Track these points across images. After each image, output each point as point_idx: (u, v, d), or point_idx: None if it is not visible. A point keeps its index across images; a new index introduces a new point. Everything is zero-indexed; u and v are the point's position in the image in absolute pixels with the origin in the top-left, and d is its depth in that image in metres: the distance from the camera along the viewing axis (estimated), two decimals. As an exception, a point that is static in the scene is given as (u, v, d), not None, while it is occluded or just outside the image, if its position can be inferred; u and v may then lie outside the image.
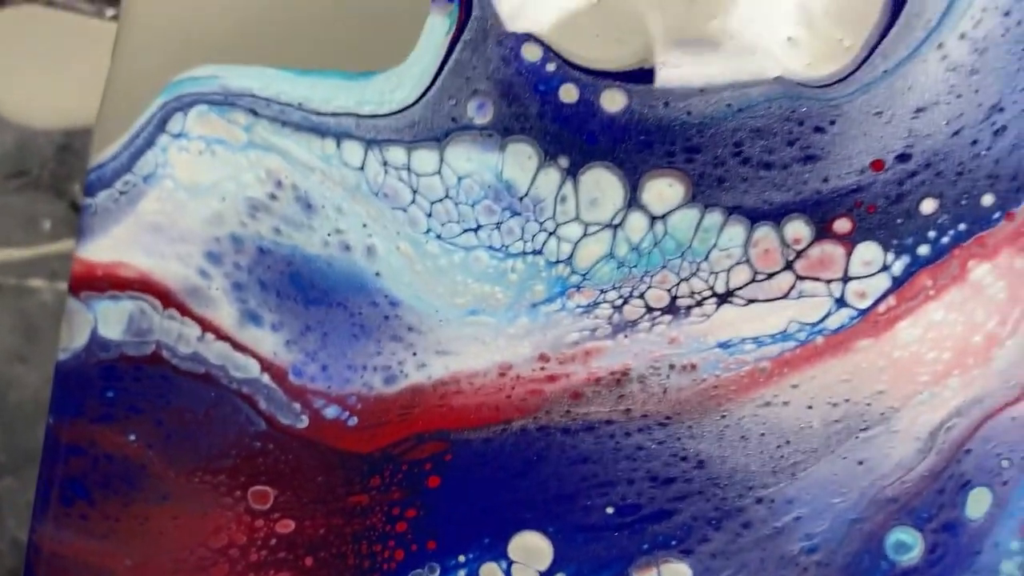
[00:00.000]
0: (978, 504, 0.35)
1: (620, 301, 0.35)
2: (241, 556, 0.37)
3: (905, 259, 0.35)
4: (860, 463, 0.35)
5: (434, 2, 0.35)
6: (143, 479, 0.37)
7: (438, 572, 0.37)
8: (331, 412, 0.36)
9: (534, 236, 0.35)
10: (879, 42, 0.34)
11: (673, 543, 0.36)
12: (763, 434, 0.35)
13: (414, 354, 0.36)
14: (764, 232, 0.35)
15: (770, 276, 0.35)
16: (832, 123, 0.34)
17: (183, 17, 0.36)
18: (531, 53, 0.35)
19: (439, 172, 0.35)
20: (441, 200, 0.35)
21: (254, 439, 0.36)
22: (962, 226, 0.35)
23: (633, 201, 0.35)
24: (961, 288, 0.35)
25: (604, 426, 0.36)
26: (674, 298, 0.35)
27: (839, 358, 0.35)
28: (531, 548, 0.36)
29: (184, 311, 0.36)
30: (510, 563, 0.36)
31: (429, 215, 0.35)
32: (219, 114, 0.36)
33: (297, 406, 0.36)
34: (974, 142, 0.34)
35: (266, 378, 0.36)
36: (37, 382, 0.52)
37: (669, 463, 0.36)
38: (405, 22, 0.35)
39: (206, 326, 0.36)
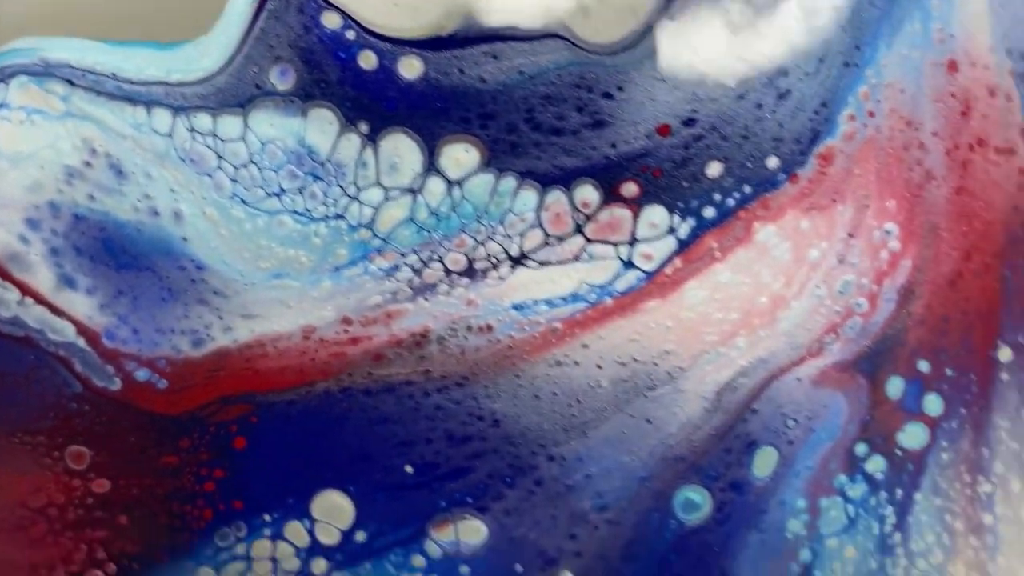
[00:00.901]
0: (765, 463, 0.35)
1: (420, 264, 0.36)
2: (59, 515, 0.37)
3: (691, 221, 0.35)
4: (648, 421, 0.35)
5: (240, -28, 0.35)
6: (-34, 441, 0.37)
7: (244, 531, 0.37)
8: (142, 375, 0.36)
9: (336, 200, 0.35)
10: (666, 7, 0.34)
11: (469, 500, 0.36)
12: (555, 393, 0.35)
13: (220, 318, 0.36)
14: (555, 197, 0.35)
15: (561, 240, 0.35)
16: (620, 89, 0.35)
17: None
18: (331, 21, 0.35)
19: (243, 138, 0.35)
20: (245, 165, 0.35)
21: (71, 401, 0.37)
22: (747, 188, 0.35)
23: (431, 166, 0.35)
24: (747, 249, 0.35)
25: (404, 387, 0.36)
26: (471, 261, 0.35)
27: (627, 319, 0.35)
28: (333, 507, 0.36)
29: (5, 276, 0.36)
30: (313, 522, 0.36)
31: (234, 180, 0.35)
32: (38, 84, 0.36)
33: (110, 368, 0.36)
34: (759, 105, 0.35)
35: (81, 341, 0.36)
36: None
37: (466, 422, 0.36)
38: (215, -7, 0.36)
39: (25, 290, 0.36)
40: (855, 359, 0.35)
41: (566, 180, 0.35)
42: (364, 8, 0.35)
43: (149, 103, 0.35)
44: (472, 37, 0.35)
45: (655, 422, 0.35)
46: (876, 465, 0.36)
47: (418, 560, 0.36)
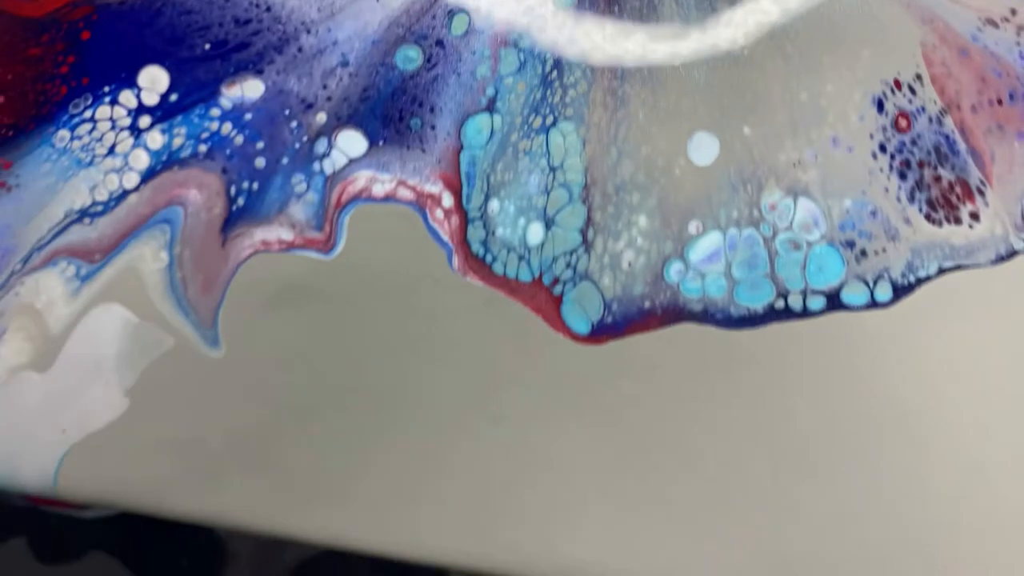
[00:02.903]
0: (459, 24, 0.49)
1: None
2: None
3: None
4: (377, 0, 0.49)
5: None
6: None
7: (90, 100, 0.50)
8: None
9: None
10: None
11: (250, 66, 0.49)
12: (311, -15, 0.49)
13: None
14: None
15: None
16: None
17: None
18: None
19: None
20: None
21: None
22: None
23: None
24: None
25: (202, -12, 0.49)
26: None
27: (361, -72, 0.49)
28: (154, 77, 0.49)
29: None
30: (140, 89, 0.50)
31: None
32: None
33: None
34: None
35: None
36: None
37: (247, 9, 0.49)
38: None
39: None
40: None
41: None
42: None
43: None
44: None
45: (383, 0, 0.49)
46: (538, 23, 0.49)
47: (215, 111, 0.49)
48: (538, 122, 0.46)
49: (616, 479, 0.48)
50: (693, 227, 0.46)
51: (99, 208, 0.47)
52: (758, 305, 0.46)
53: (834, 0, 0.46)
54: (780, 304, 0.46)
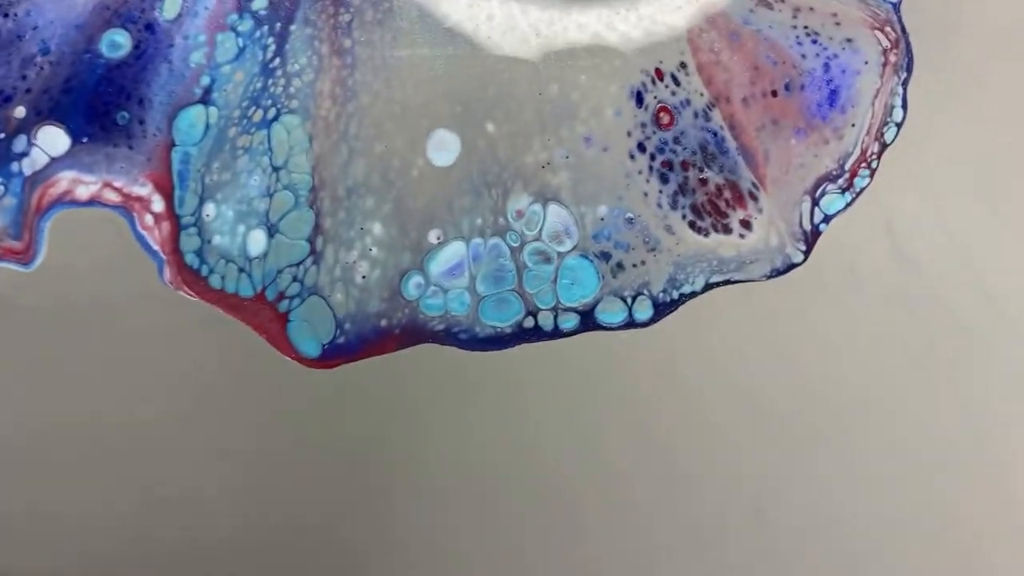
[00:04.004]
0: (171, 7, 0.43)
1: None
2: None
3: None
4: (83, -20, 0.43)
5: None
6: None
7: None
8: None
9: None
10: None
11: None
12: (10, -37, 0.43)
13: None
14: None
15: None
16: None
17: None
18: None
19: None
20: None
21: None
22: None
23: None
24: None
25: None
26: None
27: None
28: None
29: None
30: None
31: None
32: None
33: None
34: None
35: None
36: None
37: None
38: None
39: None
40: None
41: None
42: None
43: None
44: None
45: (88, -19, 0.43)
46: (259, 4, 0.43)
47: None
48: (259, 115, 0.40)
49: (350, 521, 0.41)
50: (433, 236, 0.40)
51: None
52: (505, 324, 0.40)
53: (590, -20, 0.40)
54: (529, 323, 0.40)
